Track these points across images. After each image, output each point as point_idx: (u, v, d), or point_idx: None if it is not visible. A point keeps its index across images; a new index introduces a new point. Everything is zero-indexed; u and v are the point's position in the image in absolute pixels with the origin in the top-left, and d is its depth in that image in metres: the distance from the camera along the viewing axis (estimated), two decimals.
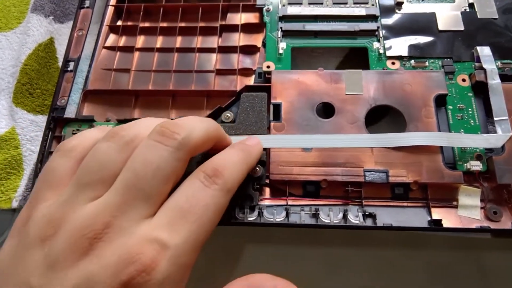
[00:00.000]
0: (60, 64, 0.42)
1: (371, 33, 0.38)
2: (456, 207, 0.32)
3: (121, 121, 0.36)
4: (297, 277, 0.34)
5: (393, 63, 0.37)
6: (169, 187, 0.21)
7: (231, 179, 0.23)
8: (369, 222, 0.31)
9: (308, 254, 0.35)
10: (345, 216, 0.32)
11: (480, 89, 0.35)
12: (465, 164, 0.32)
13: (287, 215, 0.32)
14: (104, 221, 0.19)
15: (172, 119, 0.35)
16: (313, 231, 0.34)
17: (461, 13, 0.39)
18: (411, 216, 0.32)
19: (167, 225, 0.19)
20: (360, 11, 0.39)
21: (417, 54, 0.37)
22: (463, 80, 0.35)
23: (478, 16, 0.38)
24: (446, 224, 0.31)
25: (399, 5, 0.39)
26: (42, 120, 0.39)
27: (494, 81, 0.34)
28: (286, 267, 0.34)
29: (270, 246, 0.35)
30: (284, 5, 0.40)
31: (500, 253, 0.34)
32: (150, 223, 0.19)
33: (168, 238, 0.19)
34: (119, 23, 0.42)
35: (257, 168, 0.33)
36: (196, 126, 0.23)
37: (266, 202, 0.33)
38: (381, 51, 0.37)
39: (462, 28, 0.38)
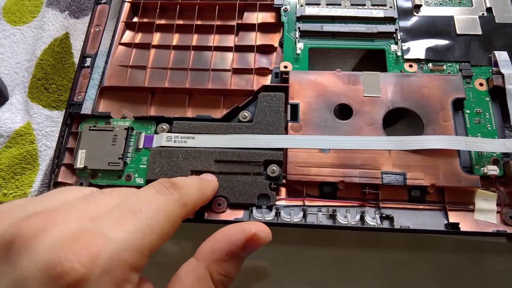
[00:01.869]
0: (75, 59, 0.42)
1: (389, 35, 0.38)
2: (472, 211, 0.32)
3: (137, 118, 0.36)
4: (309, 277, 0.35)
5: (410, 66, 0.37)
6: None
7: (187, 195, 0.22)
8: (386, 224, 0.32)
9: (320, 255, 0.35)
10: (362, 218, 0.32)
11: (498, 94, 0.35)
12: (482, 168, 0.32)
13: (305, 216, 0.32)
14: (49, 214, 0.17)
15: (188, 117, 0.35)
16: (326, 233, 0.35)
17: (479, 17, 0.39)
18: (428, 219, 0.32)
19: (113, 221, 0.18)
20: (378, 13, 0.39)
21: (435, 57, 0.37)
22: (481, 84, 0.36)
23: (496, 21, 0.38)
24: (463, 227, 0.31)
25: (417, 8, 0.40)
26: (57, 115, 0.39)
27: (511, 86, 0.34)
28: (299, 267, 0.35)
29: (284, 246, 0.35)
30: (302, 5, 0.40)
31: (511, 257, 0.34)
32: (96, 219, 0.18)
33: (112, 232, 0.17)
34: (136, 19, 0.42)
35: (273, 168, 0.33)
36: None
37: (283, 202, 0.33)
38: (399, 53, 0.37)
39: (480, 32, 0.38)
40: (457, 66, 0.37)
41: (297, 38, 0.38)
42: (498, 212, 0.32)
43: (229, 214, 0.32)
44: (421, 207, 0.32)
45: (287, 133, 0.34)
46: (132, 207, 0.19)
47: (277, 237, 0.35)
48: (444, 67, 0.37)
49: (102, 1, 0.42)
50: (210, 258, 0.21)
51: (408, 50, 0.37)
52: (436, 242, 0.35)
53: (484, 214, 0.32)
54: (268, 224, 0.31)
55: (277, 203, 0.33)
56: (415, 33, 0.38)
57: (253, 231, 0.21)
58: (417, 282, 0.34)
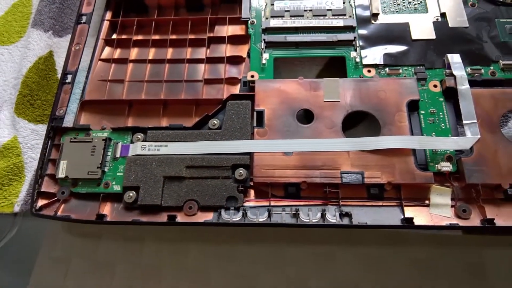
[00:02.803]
0: (59, 76, 0.44)
1: (349, 43, 0.41)
2: (428, 205, 0.34)
3: (115, 129, 0.38)
4: (287, 275, 0.37)
5: (369, 71, 0.39)
6: None
7: None
8: (345, 221, 0.34)
9: (297, 252, 0.37)
10: (323, 216, 0.34)
11: (451, 95, 0.37)
12: (436, 165, 0.34)
13: (269, 216, 0.34)
14: None
15: (161, 127, 0.38)
16: (302, 230, 0.37)
17: (433, 22, 0.41)
18: (385, 215, 0.34)
19: None
20: (338, 22, 0.41)
21: (392, 62, 0.39)
22: (435, 86, 0.38)
23: (450, 25, 0.41)
24: (418, 222, 0.33)
25: (375, 16, 0.42)
26: (42, 129, 0.42)
27: (463, 86, 0.36)
28: (272, 265, 0.37)
29: (260, 245, 0.37)
30: (267, 18, 0.42)
31: (477, 248, 0.36)
32: None
33: None
34: (114, 36, 0.45)
35: (241, 171, 0.35)
36: None
37: (251, 204, 0.35)
38: (358, 60, 0.39)
39: (434, 37, 0.40)
40: (413, 70, 0.39)
41: (263, 49, 0.41)
42: (452, 206, 0.34)
43: (200, 217, 0.35)
44: (380, 203, 0.34)
45: (253, 138, 0.36)
46: None
47: (254, 235, 0.37)
48: (400, 71, 0.39)
49: (82, 21, 0.45)
50: None
51: (366, 56, 0.40)
52: (409, 237, 0.37)
53: (439, 209, 0.34)
54: (235, 224, 0.34)
55: (245, 204, 0.35)
56: (373, 40, 0.40)
57: None
58: (392, 275, 0.36)
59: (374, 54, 0.39)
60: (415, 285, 0.36)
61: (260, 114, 0.37)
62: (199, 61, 0.42)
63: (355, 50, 0.40)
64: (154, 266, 0.37)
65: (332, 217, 0.34)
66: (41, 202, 0.36)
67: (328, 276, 0.36)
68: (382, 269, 0.36)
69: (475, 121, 0.35)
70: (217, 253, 0.38)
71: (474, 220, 0.33)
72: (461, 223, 0.33)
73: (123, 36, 0.45)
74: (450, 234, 0.37)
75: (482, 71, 0.38)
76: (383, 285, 0.36)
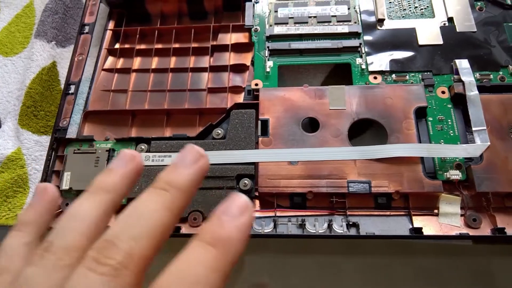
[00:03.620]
0: (62, 86, 0.44)
1: (354, 50, 0.40)
2: (437, 215, 0.33)
3: (118, 140, 0.38)
4: (288, 284, 0.36)
5: (375, 78, 0.38)
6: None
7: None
8: (353, 232, 0.33)
9: (301, 263, 0.36)
10: (330, 226, 0.33)
11: (459, 101, 0.36)
12: (445, 174, 0.33)
13: (275, 226, 0.34)
14: None
15: (165, 137, 0.37)
16: (303, 240, 0.36)
17: (440, 27, 0.40)
18: (393, 225, 0.33)
19: None
20: (343, 28, 0.41)
21: (398, 68, 0.38)
22: (443, 92, 0.37)
23: (457, 30, 0.40)
24: (427, 231, 0.32)
25: (380, 21, 0.41)
26: (46, 140, 0.41)
27: (472, 92, 0.35)
28: (276, 275, 0.36)
29: (267, 255, 0.37)
30: (271, 25, 0.42)
31: (486, 258, 0.35)
32: None
33: None
34: (117, 46, 0.44)
35: (245, 181, 0.35)
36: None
37: (256, 214, 0.35)
38: (364, 66, 0.39)
39: (441, 42, 0.39)
40: (420, 76, 0.38)
41: (266, 56, 0.40)
42: (462, 215, 0.33)
43: None
44: (388, 213, 0.34)
45: (258, 148, 0.36)
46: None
47: (258, 246, 0.37)
48: (407, 77, 0.38)
49: (85, 31, 0.45)
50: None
51: (372, 62, 0.39)
52: (416, 246, 0.36)
53: (448, 218, 0.33)
54: None
55: None
56: (379, 46, 0.40)
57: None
58: (398, 285, 0.35)
59: (380, 61, 0.39)
60: None
61: (265, 123, 0.36)
62: (203, 69, 0.42)
63: (361, 56, 0.39)
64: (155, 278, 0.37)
65: (339, 227, 0.33)
66: None
67: (333, 286, 0.36)
68: (389, 279, 0.35)
69: (485, 127, 0.34)
70: None
71: (485, 229, 0.33)
72: (471, 232, 0.32)
73: (126, 46, 0.44)
74: (458, 244, 0.36)
75: (491, 76, 0.37)
76: None
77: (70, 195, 0.36)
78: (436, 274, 0.35)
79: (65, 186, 0.36)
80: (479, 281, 0.35)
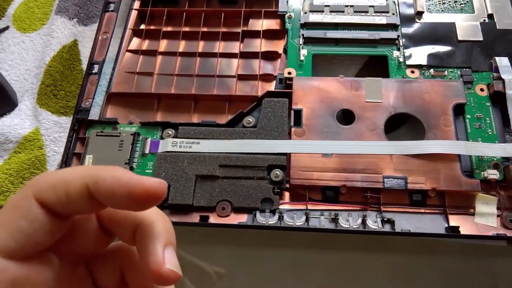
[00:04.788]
0: (83, 66, 0.43)
1: (391, 42, 0.39)
2: (473, 214, 0.32)
3: (144, 124, 0.37)
4: (314, 281, 0.35)
5: (412, 72, 0.37)
6: None
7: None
8: (387, 228, 0.32)
9: (324, 259, 0.36)
10: (364, 222, 0.32)
11: (498, 99, 0.35)
12: (482, 173, 0.33)
13: (307, 220, 0.33)
14: None
15: (193, 123, 0.36)
16: (329, 236, 0.35)
17: (480, 23, 0.39)
18: (428, 223, 0.32)
19: None
20: (381, 19, 0.40)
21: (436, 63, 0.37)
22: (481, 89, 0.36)
23: (497, 27, 0.39)
24: (463, 231, 0.32)
25: (419, 14, 0.40)
26: (65, 121, 0.40)
27: None
28: (302, 271, 0.35)
29: (287, 250, 0.36)
30: (306, 13, 0.41)
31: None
32: None
33: None
34: (143, 27, 0.43)
35: (277, 172, 0.34)
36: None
37: (286, 206, 0.34)
38: (401, 59, 0.38)
39: (481, 38, 0.38)
40: (458, 72, 0.37)
41: (301, 44, 0.39)
42: (498, 215, 0.32)
43: (233, 218, 0.33)
44: (422, 210, 0.33)
45: (290, 138, 0.34)
46: None
47: (280, 241, 0.36)
48: (446, 73, 0.37)
49: (110, 9, 0.43)
50: None
51: (410, 56, 0.38)
52: (439, 246, 0.35)
53: (484, 218, 0.32)
54: (272, 227, 0.32)
55: (280, 207, 0.33)
56: (417, 40, 0.39)
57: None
58: (421, 285, 0.35)
59: (418, 54, 0.38)
60: None
61: (298, 113, 0.35)
62: (232, 55, 0.40)
63: (398, 49, 0.38)
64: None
65: (373, 223, 0.32)
66: None
67: (356, 283, 0.35)
68: (412, 278, 0.35)
69: None
70: (242, 256, 0.36)
71: None
72: (508, 233, 0.32)
73: (152, 27, 0.43)
74: (484, 244, 0.35)
75: None
76: None
77: None
78: (461, 274, 0.35)
79: None
80: (503, 282, 0.34)
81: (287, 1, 0.41)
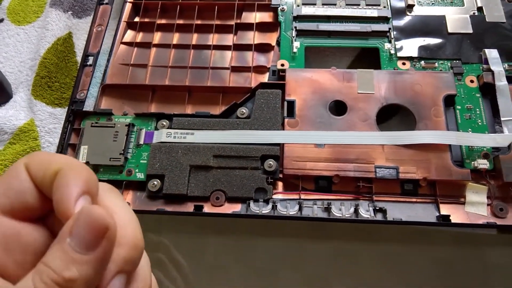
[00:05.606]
0: (78, 58, 0.43)
1: (383, 34, 0.39)
2: (463, 203, 0.33)
3: (138, 115, 0.37)
4: (305, 270, 0.35)
5: (403, 64, 0.38)
6: None
7: None
8: (379, 217, 0.33)
9: (318, 248, 0.36)
10: (356, 211, 0.33)
11: (488, 90, 0.36)
12: (473, 162, 0.33)
13: (300, 209, 0.33)
14: None
15: (187, 114, 0.36)
16: (323, 226, 0.35)
17: (470, 16, 0.40)
18: (420, 212, 0.33)
19: None
20: (372, 12, 0.40)
21: (427, 55, 0.38)
22: (471, 81, 0.37)
23: (487, 20, 0.40)
24: (454, 219, 0.32)
25: (410, 7, 0.41)
26: (60, 112, 0.40)
27: (501, 82, 0.35)
28: (296, 260, 0.36)
29: (281, 240, 0.36)
30: (298, 5, 0.41)
31: (505, 249, 0.35)
32: None
33: None
34: (137, 19, 0.43)
35: (270, 162, 0.34)
36: None
37: (280, 196, 0.34)
38: (392, 51, 0.38)
39: (470, 31, 0.39)
40: (449, 64, 0.38)
41: (293, 37, 0.39)
42: (488, 204, 0.33)
43: (227, 208, 0.33)
44: (414, 200, 0.33)
45: (283, 129, 0.35)
46: None
47: (275, 230, 0.36)
48: (436, 64, 0.38)
49: (104, 2, 0.43)
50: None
51: (401, 48, 0.38)
52: (431, 235, 0.36)
53: (474, 207, 0.33)
54: (265, 217, 0.33)
55: (274, 196, 0.34)
56: (408, 32, 0.39)
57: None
58: (414, 274, 0.35)
59: (409, 47, 0.38)
60: (438, 284, 0.35)
61: (291, 104, 0.36)
62: (226, 47, 0.41)
63: (390, 41, 0.39)
64: (170, 260, 0.36)
65: (366, 212, 0.33)
66: None
67: (348, 273, 0.35)
68: (405, 267, 0.35)
69: None
70: (236, 246, 0.36)
71: (511, 219, 0.32)
72: (498, 222, 0.32)
73: (146, 20, 0.43)
74: (475, 233, 0.36)
75: None
76: (406, 284, 0.35)
77: None
78: (452, 264, 0.35)
79: (81, 160, 0.35)
80: (495, 271, 0.35)
81: None
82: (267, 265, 0.36)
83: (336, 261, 0.36)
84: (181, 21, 0.42)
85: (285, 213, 0.33)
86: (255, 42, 0.40)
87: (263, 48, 0.40)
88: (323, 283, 0.35)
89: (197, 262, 0.36)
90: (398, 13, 0.40)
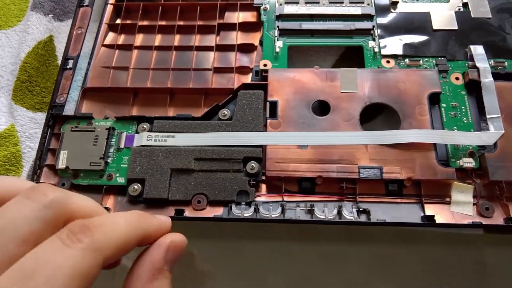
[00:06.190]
0: (59, 62, 0.42)
1: (367, 32, 0.39)
2: (449, 203, 0.32)
3: (119, 118, 0.36)
4: (293, 272, 0.35)
5: (388, 62, 0.37)
6: (24, 249, 0.16)
7: (103, 239, 0.17)
8: (363, 218, 0.32)
9: (305, 250, 0.35)
10: (339, 212, 0.32)
11: (473, 88, 0.35)
12: (458, 161, 0.33)
13: (283, 211, 0.32)
14: None
15: (168, 116, 0.36)
16: (311, 227, 0.35)
17: (455, 12, 0.39)
18: (404, 212, 0.32)
19: None
20: (356, 10, 0.40)
21: (412, 53, 0.37)
22: (457, 78, 0.36)
23: (472, 16, 0.39)
24: (439, 220, 0.32)
25: (394, 4, 0.40)
26: (41, 117, 0.40)
27: (487, 79, 0.34)
28: (284, 263, 0.35)
29: (268, 242, 0.36)
30: (281, 4, 0.41)
31: (493, 248, 0.35)
32: None
33: None
34: (118, 21, 0.42)
35: (253, 164, 0.33)
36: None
37: (262, 199, 0.33)
38: (376, 49, 0.38)
39: (456, 27, 0.38)
40: (434, 61, 0.37)
41: (276, 36, 0.39)
42: (474, 204, 0.32)
43: (209, 211, 0.33)
44: (398, 200, 0.33)
45: (266, 130, 0.34)
46: (28, 271, 0.15)
47: (262, 233, 0.36)
48: (421, 62, 0.37)
49: (85, 4, 0.43)
50: (139, 284, 0.19)
51: (385, 46, 0.38)
52: (421, 235, 0.35)
53: (460, 206, 0.32)
54: (247, 220, 0.32)
55: (257, 199, 0.33)
56: (392, 30, 0.39)
57: (168, 241, 0.20)
58: (404, 274, 0.35)
59: (393, 44, 0.38)
60: (427, 284, 0.34)
61: (274, 104, 0.35)
62: (208, 48, 0.40)
63: (374, 39, 0.38)
64: None
65: (349, 213, 0.32)
66: None
67: (337, 274, 0.35)
68: (394, 268, 0.35)
69: (499, 115, 0.33)
70: (223, 250, 0.36)
71: (497, 219, 0.32)
72: (484, 221, 0.32)
73: (128, 21, 0.42)
74: (469, 233, 0.35)
75: (506, 63, 0.36)
76: (394, 285, 0.34)
77: (66, 174, 0.35)
78: (441, 264, 0.35)
79: (61, 165, 0.34)
80: (484, 271, 0.34)
81: None
82: (253, 268, 0.35)
83: (323, 262, 0.35)
84: (163, 22, 0.42)
85: (268, 216, 0.32)
86: (238, 43, 0.40)
87: (246, 48, 0.40)
88: (311, 284, 0.35)
89: (182, 267, 0.35)
90: (382, 10, 0.40)
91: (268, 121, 0.34)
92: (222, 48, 0.40)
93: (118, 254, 0.18)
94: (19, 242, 0.16)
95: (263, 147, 0.34)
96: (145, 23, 0.42)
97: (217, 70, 0.39)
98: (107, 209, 0.33)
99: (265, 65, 0.37)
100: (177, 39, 0.41)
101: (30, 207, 0.16)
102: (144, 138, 0.35)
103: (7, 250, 0.16)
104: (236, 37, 0.40)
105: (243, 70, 0.39)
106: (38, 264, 0.15)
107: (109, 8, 0.43)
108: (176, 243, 0.20)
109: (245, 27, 0.41)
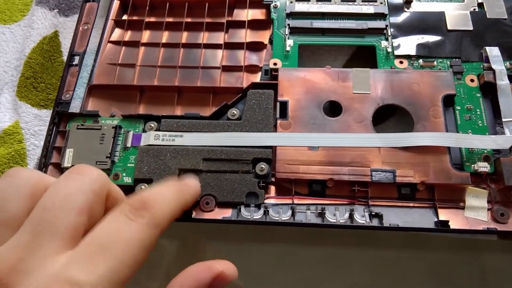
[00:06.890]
0: (64, 58, 0.42)
1: (379, 32, 0.38)
2: (463, 208, 0.32)
3: (126, 117, 0.36)
4: (301, 276, 0.34)
5: (401, 62, 0.36)
6: (83, 219, 0.18)
7: (160, 213, 0.19)
8: (375, 222, 0.31)
9: (312, 254, 0.35)
10: (351, 216, 0.31)
11: (489, 90, 0.35)
12: (473, 165, 0.32)
13: (293, 214, 0.32)
14: (8, 265, 0.16)
15: (176, 115, 0.35)
16: (317, 230, 0.34)
17: (470, 12, 0.38)
18: (417, 217, 0.32)
19: (83, 262, 0.16)
20: (369, 9, 0.39)
21: (426, 53, 0.37)
22: (472, 80, 0.35)
23: (487, 16, 0.38)
24: (453, 225, 0.31)
25: (408, 3, 0.39)
26: (46, 114, 0.39)
27: (503, 82, 0.34)
28: (289, 266, 0.34)
29: (274, 245, 0.35)
30: (291, 2, 0.40)
31: (504, 255, 0.34)
32: (63, 261, 0.16)
33: (83, 276, 0.16)
34: (125, 17, 0.42)
35: (262, 166, 0.33)
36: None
37: (272, 201, 0.33)
38: (389, 49, 0.37)
39: (471, 28, 0.38)
40: (448, 62, 0.36)
41: (286, 35, 0.38)
42: (488, 209, 0.31)
43: (217, 213, 0.32)
44: (411, 204, 0.32)
45: (276, 131, 0.34)
46: (101, 244, 0.17)
47: (268, 235, 0.35)
48: (435, 63, 0.36)
49: None
50: None
51: (398, 46, 0.37)
52: (428, 240, 0.34)
53: (474, 212, 0.31)
54: (257, 222, 0.32)
55: (266, 201, 0.32)
56: (405, 29, 0.38)
57: (220, 269, 0.20)
58: (410, 280, 0.34)
59: (407, 44, 0.37)
60: None
61: (284, 105, 0.34)
62: (217, 46, 0.39)
63: (386, 39, 0.37)
64: (159, 266, 0.35)
65: (361, 217, 0.31)
66: None
67: (343, 279, 0.34)
68: (400, 273, 0.34)
69: None
70: (228, 252, 0.35)
71: None
72: (499, 227, 0.31)
73: (135, 18, 0.42)
74: (474, 238, 0.34)
75: None
76: None
77: None
78: (451, 269, 0.34)
79: (67, 163, 0.34)
80: (493, 277, 0.34)
81: None
82: (260, 271, 0.35)
83: (331, 266, 0.34)
84: (170, 19, 0.41)
85: (277, 218, 0.32)
86: (247, 41, 0.39)
87: (255, 47, 0.39)
88: (314, 286, 0.34)
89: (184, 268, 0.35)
90: (396, 9, 0.39)
91: (278, 121, 0.34)
92: (230, 46, 0.39)
93: (168, 226, 0.19)
94: (78, 212, 0.17)
95: (273, 148, 0.33)
96: (152, 19, 0.41)
97: (226, 69, 0.38)
98: None
99: (275, 64, 0.36)
100: (184, 36, 0.40)
101: (82, 181, 0.18)
102: (152, 137, 0.34)
103: (69, 220, 0.17)
104: (245, 35, 0.39)
105: (252, 68, 0.38)
106: (110, 237, 0.17)
107: (116, 4, 0.42)
108: (225, 275, 0.20)
109: (254, 24, 0.40)
